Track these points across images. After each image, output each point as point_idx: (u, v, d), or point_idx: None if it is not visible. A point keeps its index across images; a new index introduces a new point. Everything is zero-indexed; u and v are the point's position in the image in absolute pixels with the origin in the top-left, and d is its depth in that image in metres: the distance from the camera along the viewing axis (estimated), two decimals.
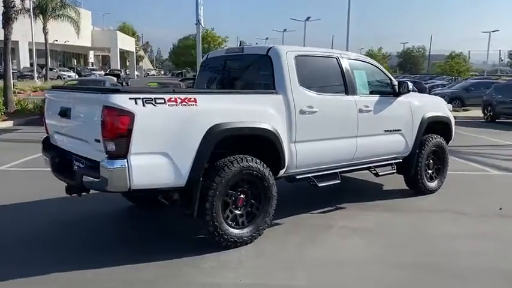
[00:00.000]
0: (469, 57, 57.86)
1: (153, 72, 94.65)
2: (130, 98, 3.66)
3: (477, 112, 19.27)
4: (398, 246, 4.60)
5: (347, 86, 5.32)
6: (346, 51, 5.78)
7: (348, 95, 5.31)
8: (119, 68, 52.09)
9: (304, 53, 5.10)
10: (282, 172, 4.73)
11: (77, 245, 4.45)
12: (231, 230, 4.29)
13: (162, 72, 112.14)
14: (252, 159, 4.35)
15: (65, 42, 45.66)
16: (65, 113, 4.23)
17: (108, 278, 3.73)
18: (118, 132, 3.60)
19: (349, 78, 5.36)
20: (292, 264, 4.08)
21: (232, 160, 4.22)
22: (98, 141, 3.71)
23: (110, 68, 53.42)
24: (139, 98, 3.70)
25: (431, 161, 6.49)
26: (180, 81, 20.59)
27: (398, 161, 6.07)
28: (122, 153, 3.63)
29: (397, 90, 5.89)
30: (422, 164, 6.26)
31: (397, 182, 6.63)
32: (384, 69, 6.10)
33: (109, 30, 65.59)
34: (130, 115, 3.61)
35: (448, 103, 8.86)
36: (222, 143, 4.16)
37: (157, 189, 4.01)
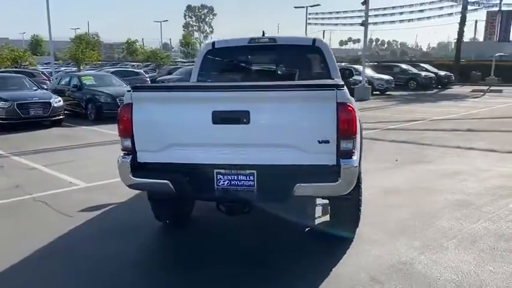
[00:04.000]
0: (144, 44, 61.88)
1: None
2: (345, 92, 3.47)
3: None
4: (446, 191, 6.04)
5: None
6: None
7: None
8: None
9: None
10: None
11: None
12: None
13: None
14: None
15: None
16: (235, 119, 3.37)
17: None
18: (354, 129, 3.38)
19: None
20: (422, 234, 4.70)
21: None
22: (325, 142, 3.33)
23: None
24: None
25: None
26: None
27: None
28: (354, 150, 3.44)
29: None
30: None
31: None
32: None
33: None
34: (354, 109, 3.45)
35: None
36: None
37: None
